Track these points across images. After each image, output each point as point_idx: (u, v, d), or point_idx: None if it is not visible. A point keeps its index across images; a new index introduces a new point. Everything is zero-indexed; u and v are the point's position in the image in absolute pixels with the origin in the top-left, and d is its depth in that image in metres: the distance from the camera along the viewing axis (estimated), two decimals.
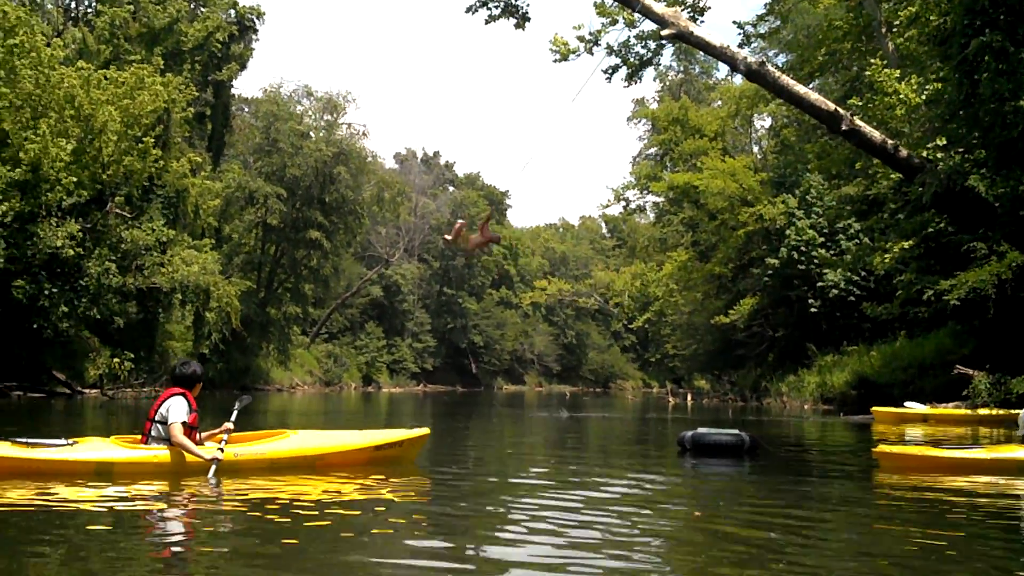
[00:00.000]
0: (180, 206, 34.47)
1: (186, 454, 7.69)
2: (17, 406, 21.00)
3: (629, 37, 24.41)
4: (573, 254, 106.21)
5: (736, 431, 11.38)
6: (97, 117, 25.98)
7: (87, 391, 27.99)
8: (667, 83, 63.60)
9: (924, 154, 19.74)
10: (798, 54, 30.13)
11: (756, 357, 40.07)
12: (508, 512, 6.48)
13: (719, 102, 49.08)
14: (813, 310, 32.83)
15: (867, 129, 19.49)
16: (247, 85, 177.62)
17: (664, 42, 23.72)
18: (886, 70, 20.40)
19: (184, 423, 7.74)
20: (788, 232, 33.29)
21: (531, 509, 6.56)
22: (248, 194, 48.48)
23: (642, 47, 24.56)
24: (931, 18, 19.65)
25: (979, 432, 16.91)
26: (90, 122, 26.07)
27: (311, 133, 54.28)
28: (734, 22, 47.57)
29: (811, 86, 25.45)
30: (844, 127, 19.20)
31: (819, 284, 32.12)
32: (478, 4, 22.91)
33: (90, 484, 7.14)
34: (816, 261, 32.09)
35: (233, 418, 8.33)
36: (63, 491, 6.82)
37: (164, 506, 6.71)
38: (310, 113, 56.60)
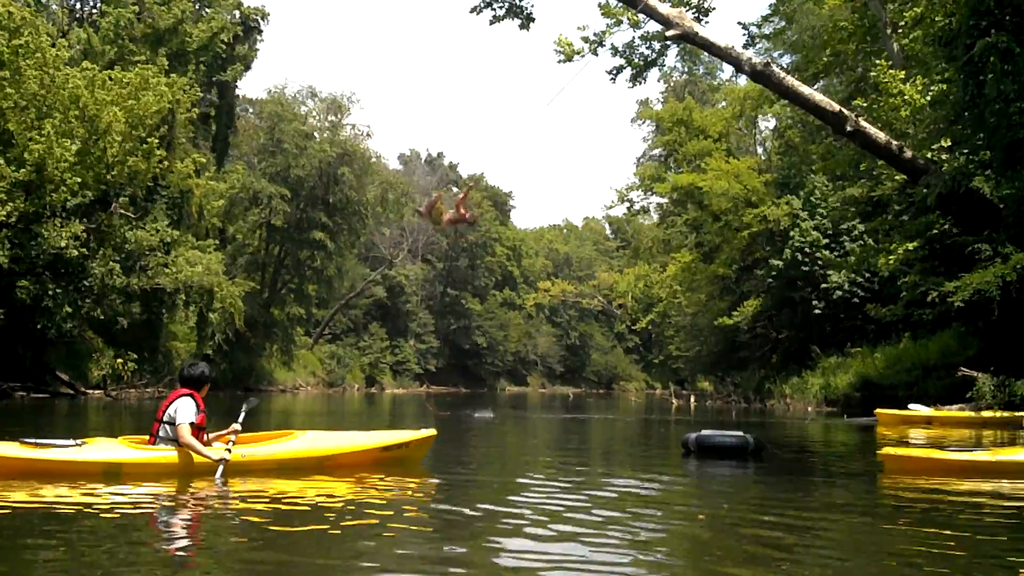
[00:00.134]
0: (184, 207, 34.55)
1: (194, 455, 7.71)
2: (21, 407, 21.02)
3: (634, 38, 24.38)
4: (577, 255, 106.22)
5: (740, 433, 11.34)
6: (102, 118, 26.00)
7: (90, 392, 28.02)
8: (671, 84, 63.52)
9: (929, 155, 19.72)
10: (803, 55, 30.09)
11: (760, 359, 40.01)
12: (513, 513, 6.46)
13: (723, 103, 49.02)
14: (817, 312, 32.77)
15: (872, 130, 19.46)
16: (251, 86, 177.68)
17: (668, 43, 23.69)
18: (891, 71, 20.38)
19: (192, 424, 7.76)
20: (792, 233, 33.23)
21: (536, 510, 6.55)
22: (252, 195, 48.52)
23: (646, 48, 24.53)
24: (936, 19, 19.60)
25: (983, 434, 16.85)
26: (95, 123, 26.09)
27: (315, 134, 54.31)
28: (739, 23, 47.40)
29: (816, 87, 25.42)
30: (849, 128, 19.18)
31: (823, 286, 32.06)
32: (483, 4, 22.90)
33: (98, 484, 7.16)
34: (820, 262, 32.03)
35: (241, 419, 8.35)
36: (71, 491, 6.84)
37: (172, 506, 6.74)
38: (314, 114, 56.68)
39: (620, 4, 22.82)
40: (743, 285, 39.70)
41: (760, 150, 47.48)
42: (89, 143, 26.15)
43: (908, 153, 19.59)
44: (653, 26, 23.08)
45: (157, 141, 28.12)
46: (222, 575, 4.65)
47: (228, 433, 8.14)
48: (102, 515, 6.11)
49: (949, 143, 19.50)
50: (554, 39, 23.96)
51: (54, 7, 37.77)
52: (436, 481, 8.45)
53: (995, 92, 16.41)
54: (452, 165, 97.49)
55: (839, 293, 31.45)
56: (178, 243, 32.22)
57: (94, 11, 39.36)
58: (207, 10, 42.55)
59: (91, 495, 6.76)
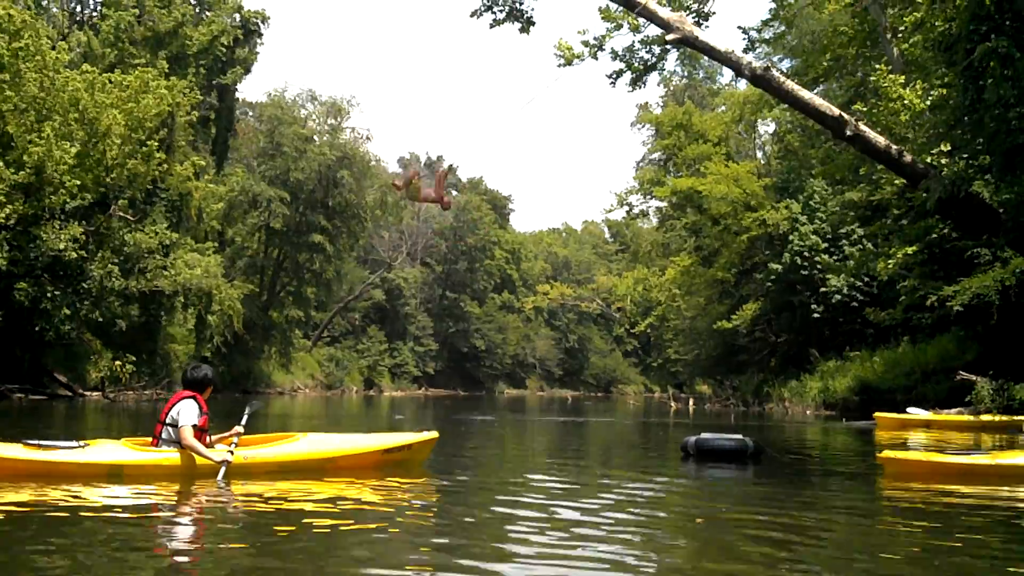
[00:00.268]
0: (183, 209, 34.55)
1: (196, 457, 7.73)
2: (19, 408, 21.01)
3: (633, 42, 24.41)
4: (576, 258, 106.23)
5: (739, 436, 11.33)
6: (101, 120, 26.00)
7: (88, 394, 28.00)
8: (671, 88, 63.52)
9: (928, 160, 19.72)
10: (803, 59, 30.13)
11: (758, 362, 40.00)
12: (514, 516, 6.47)
13: (723, 107, 49.06)
14: (816, 315, 32.76)
15: (871, 134, 19.48)
16: (251, 89, 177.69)
17: (668, 47, 23.69)
18: (891, 76, 20.41)
19: (194, 426, 7.79)
20: (791, 237, 33.24)
21: (536, 513, 6.55)
22: (251, 198, 48.50)
23: (646, 52, 24.55)
24: (936, 24, 19.63)
25: (982, 438, 16.86)
26: (94, 125, 26.09)
27: (315, 137, 54.30)
28: (739, 27, 47.60)
29: (815, 91, 25.44)
30: (849, 132, 19.19)
31: (822, 289, 32.06)
32: (483, 8, 22.91)
33: (101, 486, 7.19)
34: (819, 266, 32.04)
35: (244, 422, 8.37)
36: (74, 493, 6.87)
37: (174, 508, 6.76)
38: (314, 117, 56.68)
39: (620, 8, 22.83)
40: (742, 289, 39.69)
41: (759, 154, 47.50)
42: (88, 146, 26.15)
43: (908, 157, 19.61)
44: (653, 30, 23.11)
45: (156, 144, 28.12)
46: None
47: (231, 435, 8.18)
48: (104, 516, 6.14)
49: (949, 148, 19.51)
50: (554, 43, 23.98)
51: (54, 10, 37.79)
52: (438, 483, 8.44)
53: (995, 97, 16.41)
54: (452, 168, 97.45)
55: (838, 297, 31.45)
56: (177, 246, 32.22)
57: (94, 14, 39.38)
58: (207, 13, 42.57)
59: (93, 496, 6.79)
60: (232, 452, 7.82)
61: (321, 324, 65.29)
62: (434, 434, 9.48)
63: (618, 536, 5.79)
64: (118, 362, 29.56)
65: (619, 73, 24.84)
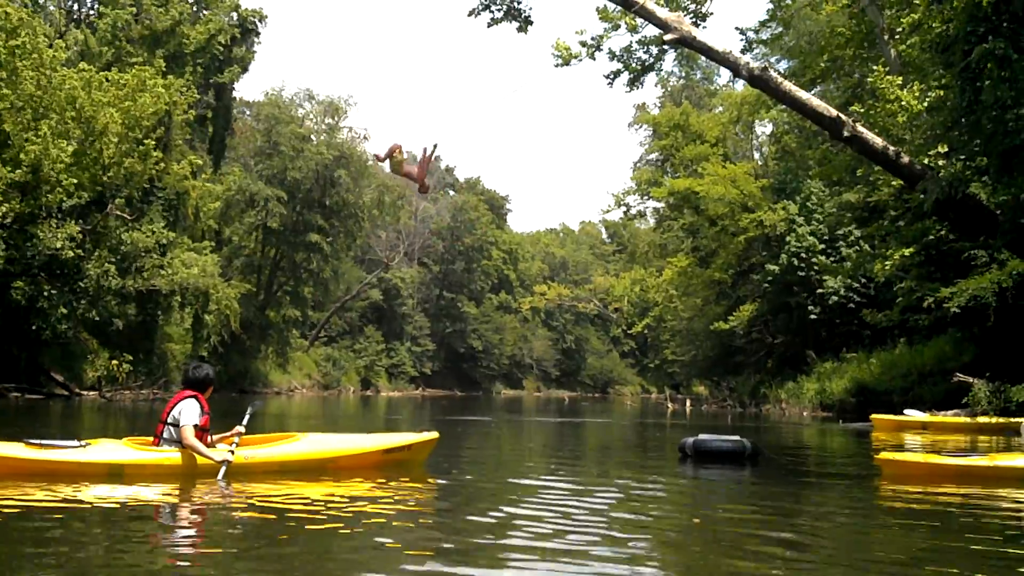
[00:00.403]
0: (180, 208, 34.49)
1: (197, 456, 7.76)
2: (15, 407, 20.96)
3: (631, 42, 24.40)
4: (573, 259, 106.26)
5: (737, 437, 11.33)
6: (98, 119, 25.95)
7: (85, 393, 27.95)
8: (668, 89, 63.58)
9: (926, 161, 19.73)
10: (800, 60, 30.13)
11: (755, 363, 40.03)
12: (513, 517, 6.47)
13: (720, 108, 49.08)
14: (813, 317, 32.79)
15: (869, 135, 19.48)
16: (248, 88, 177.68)
17: (666, 47, 23.69)
18: (888, 77, 20.40)
19: (196, 426, 7.82)
20: (788, 238, 33.27)
21: (535, 513, 6.55)
22: (248, 197, 48.45)
23: (644, 52, 24.54)
24: (934, 25, 19.63)
25: (979, 440, 16.87)
26: (91, 124, 26.03)
27: (312, 136, 54.25)
28: (736, 28, 47.56)
29: (813, 92, 25.42)
30: (846, 133, 19.19)
31: (819, 291, 32.09)
32: (481, 7, 22.88)
33: (102, 485, 7.22)
34: (816, 268, 32.06)
35: (245, 422, 8.39)
36: (75, 492, 6.89)
37: (175, 508, 6.79)
38: (311, 116, 56.61)
39: (618, 9, 22.81)
40: (739, 290, 39.73)
41: (757, 155, 47.54)
42: (85, 144, 26.10)
43: (905, 159, 19.61)
44: (650, 31, 23.11)
45: (154, 143, 28.06)
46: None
47: (232, 435, 8.21)
48: (105, 516, 6.17)
49: (946, 149, 19.52)
50: (552, 43, 23.97)
51: (51, 8, 37.70)
52: (438, 483, 8.46)
53: (992, 98, 16.42)
54: (449, 169, 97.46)
55: (835, 298, 31.48)
56: (174, 245, 32.16)
57: (91, 12, 39.30)
58: (205, 12, 42.48)
59: (94, 496, 6.81)
60: (233, 452, 7.84)
61: (318, 324, 65.23)
62: (434, 434, 9.51)
63: (617, 536, 5.79)
64: (115, 361, 29.52)
65: (617, 73, 24.83)
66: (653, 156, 54.26)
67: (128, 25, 36.11)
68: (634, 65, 24.69)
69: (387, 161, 11.96)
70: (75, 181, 24.98)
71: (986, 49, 16.30)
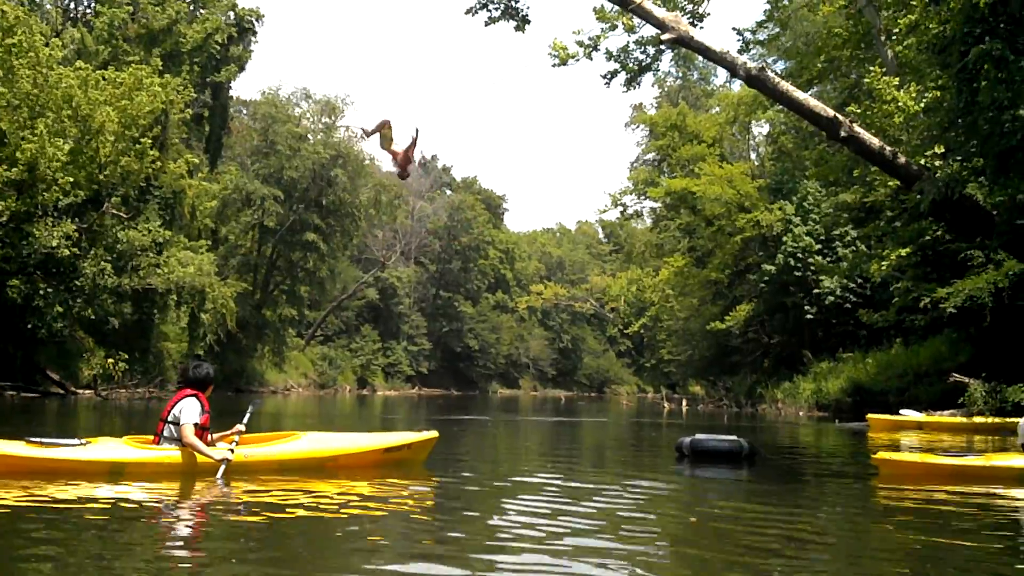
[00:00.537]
0: (177, 207, 34.45)
1: (197, 455, 7.77)
2: (11, 406, 20.93)
3: (628, 42, 24.37)
4: (570, 259, 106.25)
5: (734, 437, 11.34)
6: (95, 117, 25.91)
7: (81, 391, 27.91)
8: (665, 89, 63.62)
9: (922, 162, 19.74)
10: (797, 61, 30.14)
11: (751, 363, 40.04)
12: (511, 517, 6.48)
13: (717, 108, 49.09)
14: (809, 317, 32.81)
15: (866, 135, 19.50)
16: (245, 87, 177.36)
17: (663, 48, 23.68)
18: (885, 78, 20.43)
19: (196, 424, 7.84)
20: (785, 239, 33.29)
21: (532, 514, 6.56)
22: (245, 196, 48.42)
23: (641, 52, 24.52)
24: (930, 26, 19.65)
25: (975, 440, 16.89)
26: (87, 122, 26.00)
27: (309, 136, 54.22)
28: (733, 28, 47.61)
29: (810, 93, 25.44)
30: (843, 133, 19.21)
31: (815, 291, 32.11)
32: (478, 6, 22.86)
33: (102, 484, 7.23)
34: (812, 268, 32.08)
35: (245, 420, 8.41)
36: (75, 490, 6.91)
37: (174, 506, 6.80)
38: (308, 115, 56.59)
39: (615, 8, 22.80)
40: (735, 290, 39.73)
41: (753, 155, 47.55)
42: (82, 143, 26.06)
43: (902, 159, 19.62)
44: (647, 31, 23.09)
45: (150, 141, 28.02)
46: (223, 575, 4.65)
47: (232, 433, 8.23)
48: (105, 514, 6.17)
49: (942, 150, 19.52)
50: (549, 42, 23.96)
51: (48, 6, 37.64)
52: (437, 483, 8.47)
53: (989, 99, 16.44)
54: (446, 168, 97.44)
55: (831, 298, 31.49)
56: (170, 243, 32.12)
57: (88, 11, 39.20)
58: (202, 11, 42.42)
59: (95, 494, 6.83)
60: (232, 450, 7.86)
61: (315, 323, 65.19)
62: (434, 434, 9.52)
63: (615, 536, 5.79)
64: (111, 360, 29.46)
65: (614, 73, 24.81)
66: (650, 156, 54.29)
67: (125, 24, 36.04)
68: (631, 65, 24.67)
69: (376, 136, 11.94)
70: (71, 180, 24.94)
71: (983, 50, 16.32)
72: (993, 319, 20.02)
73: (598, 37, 23.99)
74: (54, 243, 24.49)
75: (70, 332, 27.55)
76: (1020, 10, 16.39)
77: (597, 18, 24.04)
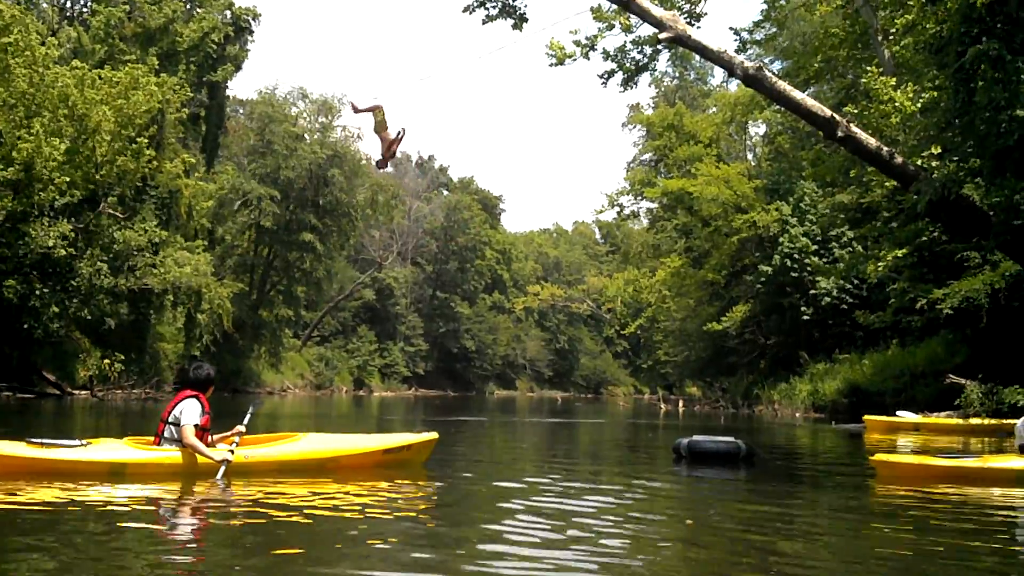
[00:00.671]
0: (173, 207, 34.39)
1: (197, 456, 7.80)
2: (7, 407, 20.89)
3: (625, 42, 24.33)
4: (566, 259, 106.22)
5: (732, 438, 11.33)
6: (91, 117, 25.86)
7: (77, 392, 27.85)
8: (662, 89, 63.58)
9: (919, 162, 19.73)
10: (794, 61, 30.11)
11: (748, 364, 40.06)
12: (509, 517, 6.48)
13: (714, 108, 49.08)
14: (806, 318, 32.83)
15: (863, 135, 19.46)
16: (242, 87, 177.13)
17: (660, 47, 23.62)
18: (882, 78, 20.39)
19: (196, 425, 7.87)
20: (781, 239, 33.31)
21: (531, 515, 6.57)
22: (242, 196, 48.35)
23: (638, 52, 24.46)
24: (928, 26, 19.63)
25: (971, 441, 16.90)
26: (84, 122, 25.94)
27: (305, 135, 54.14)
28: (730, 28, 47.62)
29: (807, 93, 25.43)
30: (840, 133, 19.16)
31: (812, 292, 32.13)
32: (475, 4, 22.79)
33: (103, 484, 7.25)
34: (809, 269, 32.10)
35: (246, 421, 8.44)
36: (76, 491, 6.92)
37: (175, 507, 6.84)
38: (305, 115, 56.49)
39: (612, 8, 22.76)
40: (732, 291, 39.74)
41: (750, 156, 47.58)
42: (78, 142, 26.01)
43: (898, 159, 19.60)
44: (645, 30, 23.04)
45: (146, 141, 27.94)
46: (223, 575, 4.64)
47: (232, 434, 8.26)
48: (106, 514, 6.18)
49: (939, 150, 19.51)
50: (546, 42, 23.89)
51: (44, 5, 37.56)
52: (437, 483, 8.48)
53: (986, 99, 16.42)
54: (443, 168, 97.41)
55: (828, 299, 31.52)
56: (166, 243, 32.05)
57: (84, 10, 39.14)
58: (198, 10, 42.35)
59: (96, 495, 6.85)
60: (233, 451, 7.88)
61: (311, 323, 65.11)
62: (434, 435, 9.55)
63: (610, 538, 5.78)
64: (107, 360, 29.42)
65: (610, 73, 24.75)
66: (647, 156, 54.28)
67: (121, 23, 35.98)
68: (628, 65, 24.62)
69: (368, 116, 11.91)
70: (67, 179, 24.89)
71: (980, 50, 16.30)
72: (990, 320, 20.06)
73: (595, 37, 23.95)
74: (50, 243, 24.44)
75: (66, 332, 27.49)
76: (1017, 10, 16.38)
77: (594, 18, 24.00)
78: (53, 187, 24.53)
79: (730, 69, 20.09)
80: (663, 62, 65.67)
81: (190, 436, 7.78)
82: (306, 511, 6.45)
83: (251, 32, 45.52)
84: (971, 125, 17.64)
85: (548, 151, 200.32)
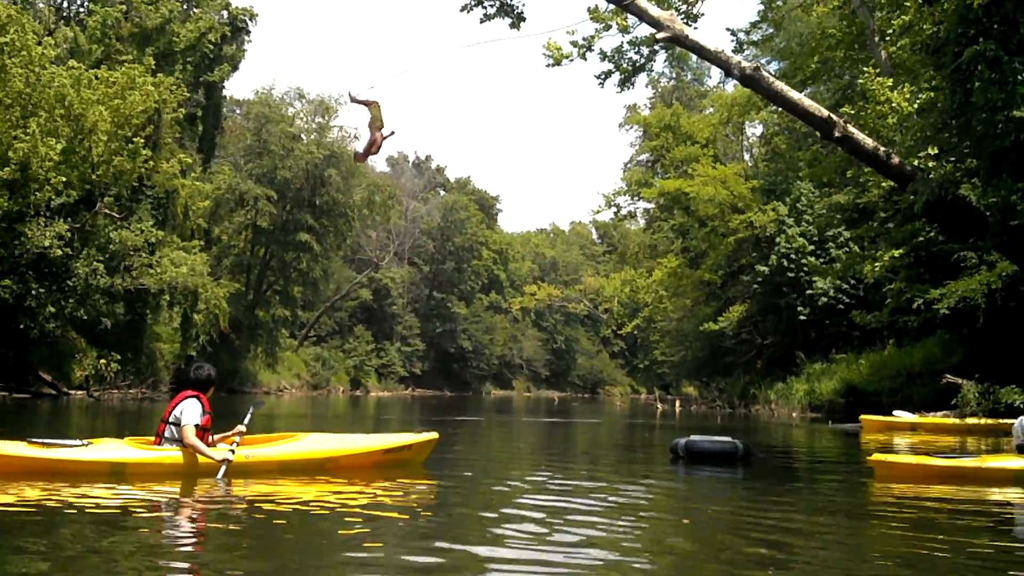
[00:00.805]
0: (169, 207, 34.35)
1: (198, 456, 7.81)
2: (2, 407, 20.86)
3: (622, 43, 24.33)
4: (563, 259, 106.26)
5: (729, 438, 11.34)
6: (87, 117, 25.82)
7: (73, 392, 27.81)
8: (659, 89, 63.58)
9: (916, 163, 19.76)
10: (791, 62, 30.13)
11: (745, 364, 40.10)
12: (508, 517, 6.48)
13: (711, 109, 49.12)
14: (802, 318, 32.85)
15: (860, 136, 19.49)
16: (239, 87, 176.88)
17: (657, 48, 23.64)
18: (879, 79, 20.42)
19: (197, 425, 7.88)
20: (778, 240, 33.33)
21: (529, 514, 6.56)
22: (238, 196, 48.28)
23: (635, 53, 24.47)
24: (924, 27, 19.66)
25: (968, 441, 16.92)
26: (80, 122, 25.90)
27: (302, 135, 54.10)
28: (727, 29, 47.65)
29: (803, 94, 25.46)
30: (837, 134, 19.20)
31: (808, 292, 32.16)
32: (473, 3, 22.78)
33: (104, 484, 7.25)
34: (806, 269, 32.12)
35: (246, 421, 8.47)
36: (77, 491, 6.92)
37: (175, 507, 6.84)
38: (301, 115, 56.45)
39: (609, 8, 22.76)
40: (729, 291, 39.76)
41: (747, 156, 47.62)
42: (74, 142, 25.96)
43: (895, 160, 19.63)
44: (642, 31, 23.05)
45: (143, 141, 27.89)
46: (223, 575, 4.64)
47: (233, 434, 8.28)
48: (107, 514, 6.18)
49: (936, 151, 19.54)
50: (543, 43, 23.87)
51: (41, 5, 37.48)
52: (437, 483, 8.49)
53: (982, 100, 16.45)
54: (440, 168, 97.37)
55: (824, 299, 31.54)
56: (163, 244, 32.00)
57: (81, 9, 39.08)
58: (195, 10, 42.31)
59: (96, 494, 6.84)
60: (233, 451, 7.90)
61: (308, 323, 65.06)
62: (434, 435, 9.56)
63: (607, 538, 5.78)
64: (103, 360, 29.38)
65: (608, 74, 24.76)
66: (643, 157, 54.30)
67: (118, 23, 35.94)
68: (625, 65, 24.63)
69: (364, 107, 11.91)
70: (64, 179, 24.84)
71: (977, 51, 16.33)
72: (986, 320, 20.08)
73: (592, 37, 23.95)
74: (46, 243, 24.40)
75: (62, 332, 27.45)
76: (1014, 11, 16.41)
77: (591, 18, 24.00)
78: (49, 187, 24.48)
79: (727, 69, 20.11)
80: (660, 63, 65.89)
81: (191, 436, 7.80)
82: (306, 511, 6.46)
83: (248, 32, 45.52)
84: (968, 126, 17.67)
85: (545, 151, 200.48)
